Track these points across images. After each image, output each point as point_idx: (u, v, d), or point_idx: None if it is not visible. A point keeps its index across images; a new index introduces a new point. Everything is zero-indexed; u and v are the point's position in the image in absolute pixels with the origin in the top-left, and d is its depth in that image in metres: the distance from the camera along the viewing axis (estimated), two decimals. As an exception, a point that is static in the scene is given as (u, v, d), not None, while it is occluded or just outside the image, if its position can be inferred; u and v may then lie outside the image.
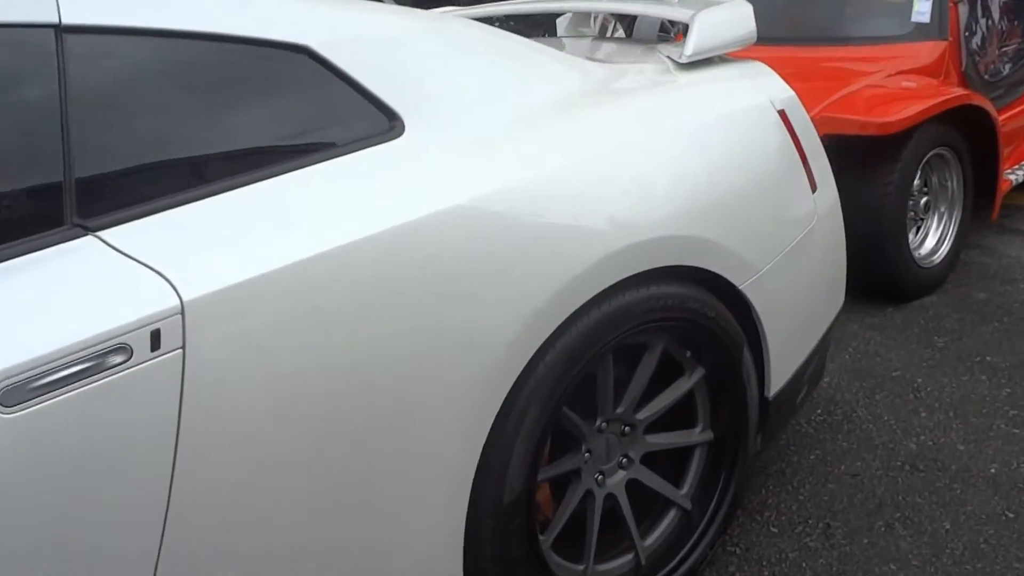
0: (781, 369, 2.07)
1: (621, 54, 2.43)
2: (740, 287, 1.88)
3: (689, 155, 1.81)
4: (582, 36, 4.24)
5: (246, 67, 1.47)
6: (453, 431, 1.50)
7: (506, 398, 1.55)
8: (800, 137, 2.08)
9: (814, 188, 2.10)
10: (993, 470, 2.39)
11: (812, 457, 2.48)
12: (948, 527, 2.18)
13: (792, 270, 2.01)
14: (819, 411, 2.70)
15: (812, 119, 3.13)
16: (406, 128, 1.54)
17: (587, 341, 1.64)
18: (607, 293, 1.65)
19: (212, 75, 1.44)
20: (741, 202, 1.87)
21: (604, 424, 1.84)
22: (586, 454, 1.83)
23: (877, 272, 3.35)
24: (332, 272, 1.37)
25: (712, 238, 1.79)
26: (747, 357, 1.95)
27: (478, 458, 1.54)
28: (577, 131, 1.70)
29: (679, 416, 1.98)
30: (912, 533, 2.16)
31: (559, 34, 4.81)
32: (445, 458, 1.50)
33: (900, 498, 2.29)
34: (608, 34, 4.40)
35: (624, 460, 1.91)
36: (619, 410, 1.85)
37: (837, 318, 2.29)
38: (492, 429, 1.54)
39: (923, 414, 2.67)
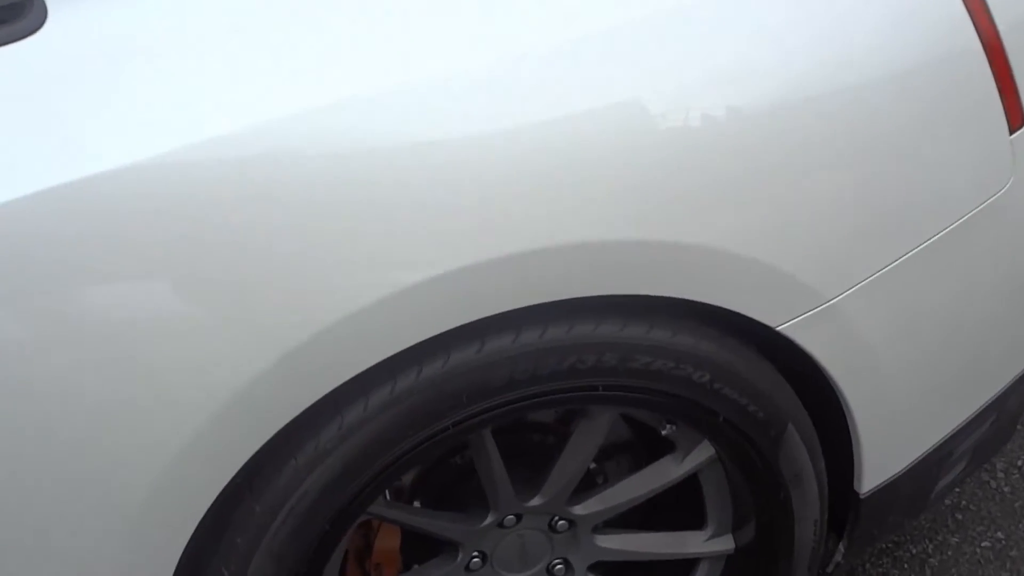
0: (891, 453, 1.16)
1: None
2: (778, 328, 0.98)
3: (670, 67, 0.89)
4: None
5: None
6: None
7: (214, 513, 0.87)
8: (999, 27, 1.04)
9: (1016, 125, 1.07)
10: None
11: (985, 544, 1.53)
12: None
13: (925, 285, 1.05)
14: (1035, 453, 1.69)
15: None
16: (48, 15, 0.82)
17: (397, 426, 0.89)
18: (445, 343, 0.87)
19: None
20: (802, 168, 0.93)
21: (511, 519, 1.10)
22: (473, 559, 1.11)
23: None
24: None
25: (710, 243, 0.90)
26: (794, 439, 1.07)
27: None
28: (425, 22, 0.86)
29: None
30: None
31: None
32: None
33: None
34: None
35: (559, 567, 1.16)
36: (533, 502, 1.08)
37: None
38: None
39: None
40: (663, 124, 0.87)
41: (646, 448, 1.19)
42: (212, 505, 0.85)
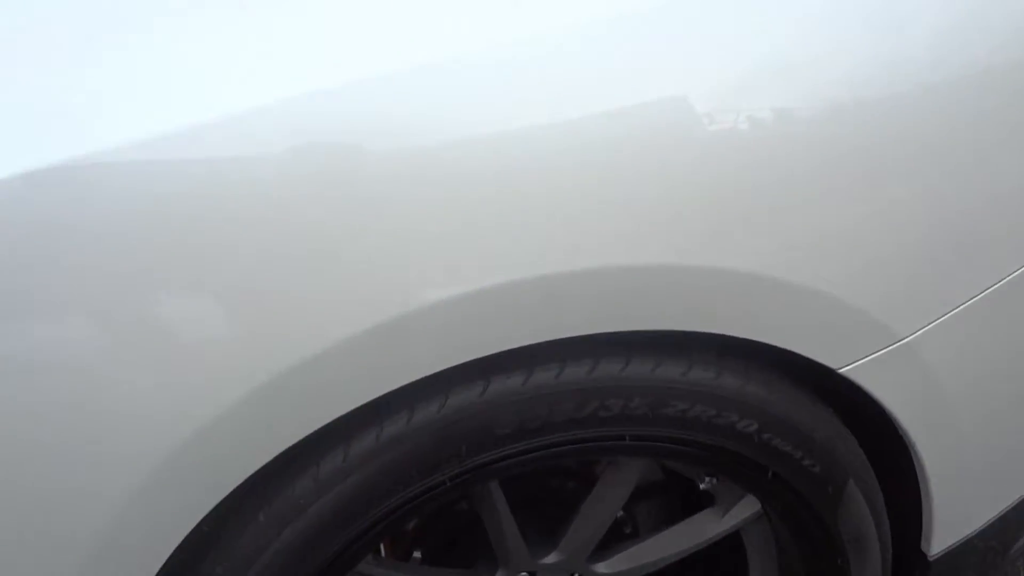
0: (966, 511, 1.00)
1: None
2: (842, 371, 0.83)
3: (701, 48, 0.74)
4: None
5: None
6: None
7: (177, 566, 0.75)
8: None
9: None
10: None
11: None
12: None
13: (1012, 323, 0.89)
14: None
15: None
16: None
17: (383, 480, 0.76)
18: (442, 382, 0.74)
19: None
20: (869, 182, 0.78)
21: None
22: (479, 618, 0.98)
23: None
24: None
25: (757, 270, 0.75)
26: (855, 498, 0.91)
27: None
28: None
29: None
30: None
31: None
32: None
33: None
34: None
35: (578, 624, 1.02)
36: (548, 559, 0.94)
37: None
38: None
39: None
40: (701, 129, 0.71)
41: (681, 494, 1.05)
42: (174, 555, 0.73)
